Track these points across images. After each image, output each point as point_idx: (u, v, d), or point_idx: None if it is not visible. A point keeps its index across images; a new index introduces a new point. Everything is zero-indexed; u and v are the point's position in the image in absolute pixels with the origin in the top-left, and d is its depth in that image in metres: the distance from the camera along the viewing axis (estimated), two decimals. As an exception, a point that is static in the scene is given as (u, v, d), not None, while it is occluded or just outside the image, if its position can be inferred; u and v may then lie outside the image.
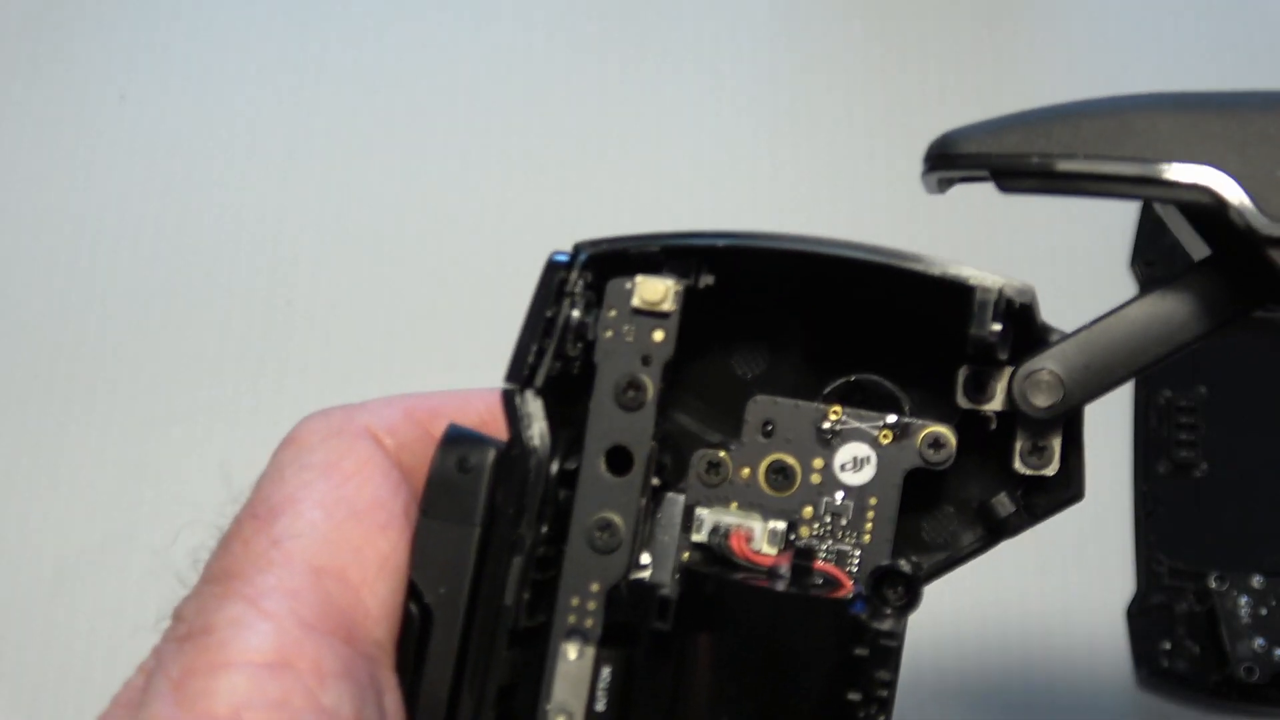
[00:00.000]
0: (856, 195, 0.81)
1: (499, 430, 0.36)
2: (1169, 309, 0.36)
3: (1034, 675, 0.70)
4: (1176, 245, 0.40)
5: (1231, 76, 0.84)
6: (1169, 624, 0.70)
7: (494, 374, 0.38)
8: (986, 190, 0.36)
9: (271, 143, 0.84)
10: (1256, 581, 0.70)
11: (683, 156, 0.83)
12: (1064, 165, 0.35)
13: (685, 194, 0.82)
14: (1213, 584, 0.69)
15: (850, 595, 0.35)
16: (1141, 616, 0.70)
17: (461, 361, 0.73)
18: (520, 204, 0.81)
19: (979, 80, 0.85)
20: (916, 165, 0.37)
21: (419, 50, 0.86)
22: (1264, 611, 0.69)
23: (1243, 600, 0.69)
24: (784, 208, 0.81)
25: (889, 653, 0.33)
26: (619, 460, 0.35)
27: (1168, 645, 0.69)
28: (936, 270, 0.35)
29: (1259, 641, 0.68)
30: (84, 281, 0.80)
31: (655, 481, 0.37)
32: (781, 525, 0.37)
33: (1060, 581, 0.71)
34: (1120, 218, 0.78)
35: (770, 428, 0.38)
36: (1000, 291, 0.35)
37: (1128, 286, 0.78)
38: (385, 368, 0.77)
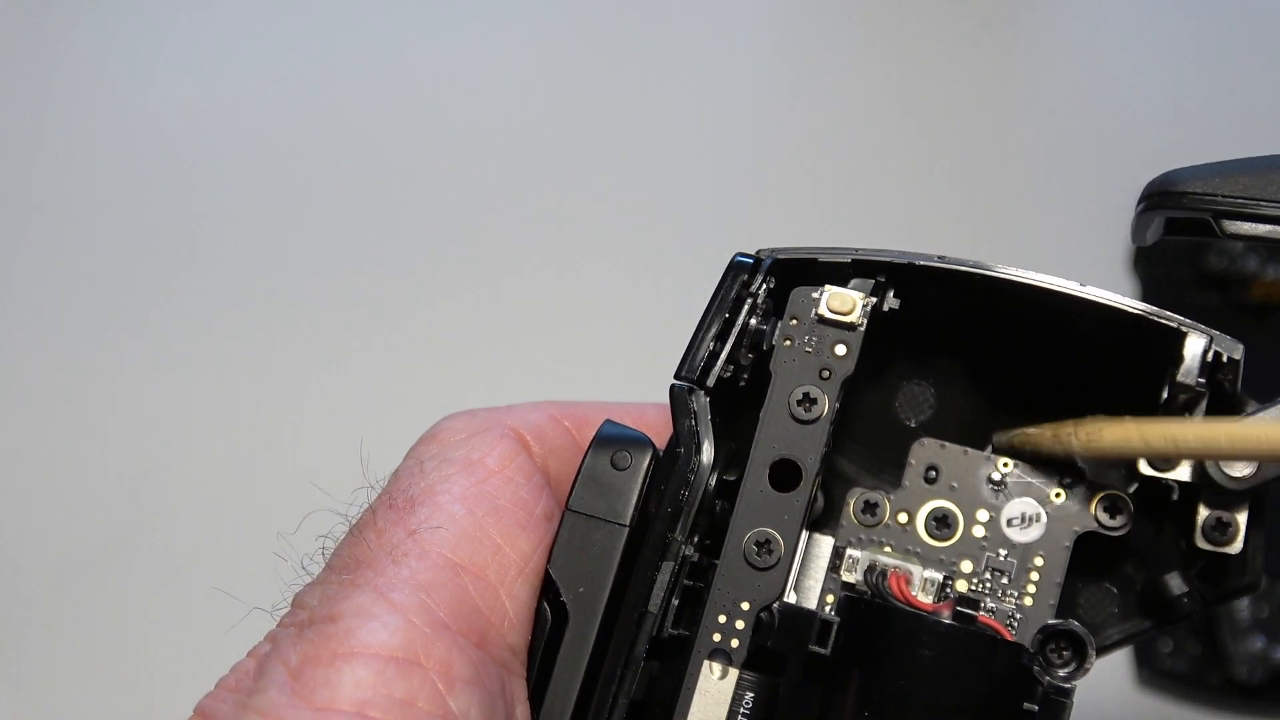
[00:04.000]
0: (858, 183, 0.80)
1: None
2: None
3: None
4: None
5: (1231, 76, 0.84)
6: (1170, 623, 0.70)
7: (640, 390, 0.36)
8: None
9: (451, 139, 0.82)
10: (1257, 582, 0.70)
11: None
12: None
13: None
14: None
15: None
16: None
17: (610, 373, 0.71)
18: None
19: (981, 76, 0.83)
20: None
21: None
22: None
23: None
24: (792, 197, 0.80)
25: (1061, 710, 0.32)
26: (785, 475, 0.34)
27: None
28: (1142, 309, 0.34)
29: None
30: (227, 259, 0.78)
31: None
32: (937, 576, 0.35)
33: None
34: (1121, 217, 0.77)
35: (934, 473, 0.36)
36: (1211, 341, 0.33)
37: (1128, 288, 0.76)
38: (530, 371, 0.74)
